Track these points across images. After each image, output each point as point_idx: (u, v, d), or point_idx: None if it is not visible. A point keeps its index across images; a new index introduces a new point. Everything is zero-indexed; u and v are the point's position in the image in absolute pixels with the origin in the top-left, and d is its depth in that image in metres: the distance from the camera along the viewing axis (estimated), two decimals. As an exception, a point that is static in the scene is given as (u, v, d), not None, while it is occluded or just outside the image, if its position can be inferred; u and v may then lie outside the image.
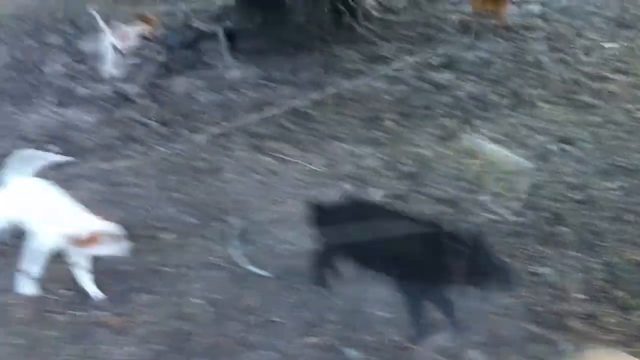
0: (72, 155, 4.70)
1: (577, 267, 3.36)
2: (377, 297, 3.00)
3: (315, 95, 5.79)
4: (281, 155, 4.73)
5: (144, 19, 7.00)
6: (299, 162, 4.64)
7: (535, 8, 8.31)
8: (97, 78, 6.57)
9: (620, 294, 3.19)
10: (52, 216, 3.19)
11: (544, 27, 7.56)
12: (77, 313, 3.09)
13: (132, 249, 3.20)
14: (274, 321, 3.02)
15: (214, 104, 5.92)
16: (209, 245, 3.65)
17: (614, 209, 3.89)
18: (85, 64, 7.08)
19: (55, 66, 7.04)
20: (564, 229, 3.70)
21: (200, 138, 5.10)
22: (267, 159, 4.73)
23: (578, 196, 4.05)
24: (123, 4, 8.74)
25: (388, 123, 5.26)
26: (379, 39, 7.28)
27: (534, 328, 2.93)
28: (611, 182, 4.21)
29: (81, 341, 2.91)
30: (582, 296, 3.16)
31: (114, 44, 6.47)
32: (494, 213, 3.86)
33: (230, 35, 7.31)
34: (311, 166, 4.51)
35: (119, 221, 3.25)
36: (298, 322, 3.00)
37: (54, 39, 8.05)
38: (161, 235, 3.75)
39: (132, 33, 6.83)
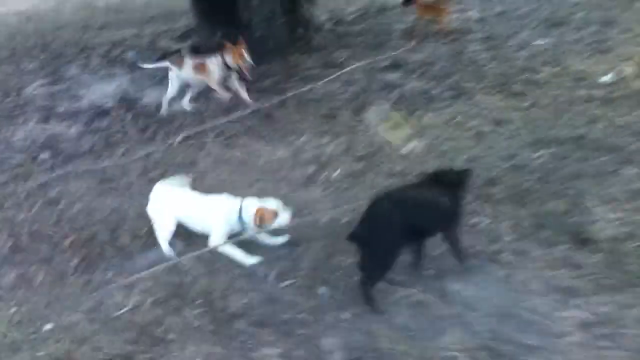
0: (62, 161, 5.26)
1: (507, 216, 3.98)
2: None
3: (276, 99, 6.37)
4: (249, 150, 5.29)
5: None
6: (266, 153, 5.20)
7: (474, 14, 9.08)
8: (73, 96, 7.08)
9: (545, 234, 3.80)
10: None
11: (481, 30, 8.28)
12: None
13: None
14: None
15: (185, 113, 6.45)
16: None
17: (537, 172, 4.52)
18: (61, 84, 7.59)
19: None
20: (496, 189, 4.33)
21: (174, 139, 5.62)
22: (237, 153, 5.28)
23: (507, 164, 4.68)
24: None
25: (343, 118, 5.86)
26: (332, 47, 7.94)
27: (473, 261, 3.54)
28: (536, 152, 4.84)
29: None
30: (510, 237, 3.77)
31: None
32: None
33: (195, 51, 7.88)
34: (278, 154, 5.08)
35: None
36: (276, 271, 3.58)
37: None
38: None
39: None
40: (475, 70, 6.82)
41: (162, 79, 7.41)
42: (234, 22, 7.70)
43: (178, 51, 7.90)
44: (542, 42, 7.62)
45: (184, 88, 6.30)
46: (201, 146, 5.46)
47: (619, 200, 4.02)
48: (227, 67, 6.12)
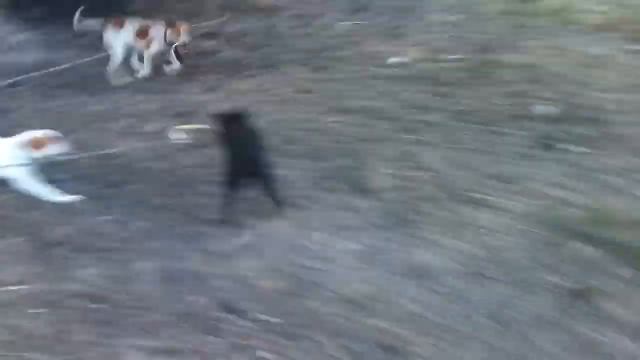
0: None
1: (302, 169, 4.61)
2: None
3: (96, 56, 6.55)
4: (69, 101, 5.49)
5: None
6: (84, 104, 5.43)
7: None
8: None
9: (331, 184, 4.45)
10: None
11: (293, 8, 8.92)
12: None
13: None
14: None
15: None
16: None
17: (330, 134, 5.22)
18: None
19: None
20: (294, 146, 4.96)
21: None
22: (57, 102, 5.45)
23: (305, 126, 5.34)
24: None
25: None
26: (151, 14, 8.15)
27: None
28: (333, 117, 5.56)
29: None
30: (302, 185, 4.40)
31: None
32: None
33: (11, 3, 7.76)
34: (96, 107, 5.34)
35: None
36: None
37: None
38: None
39: None
40: (283, 45, 7.44)
41: None
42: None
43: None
44: (346, 24, 8.42)
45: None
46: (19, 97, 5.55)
47: (393, 160, 4.81)
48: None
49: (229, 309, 3.17)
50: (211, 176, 4.15)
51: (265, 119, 5.31)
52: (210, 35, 7.59)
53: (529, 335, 3.04)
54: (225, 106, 4.78)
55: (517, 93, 6.09)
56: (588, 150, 4.88)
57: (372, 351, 2.96)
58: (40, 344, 2.85)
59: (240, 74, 6.51)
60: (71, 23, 7.00)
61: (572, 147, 4.98)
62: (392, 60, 7.12)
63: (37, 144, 4.06)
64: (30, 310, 3.07)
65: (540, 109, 5.71)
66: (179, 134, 4.47)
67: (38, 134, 4.12)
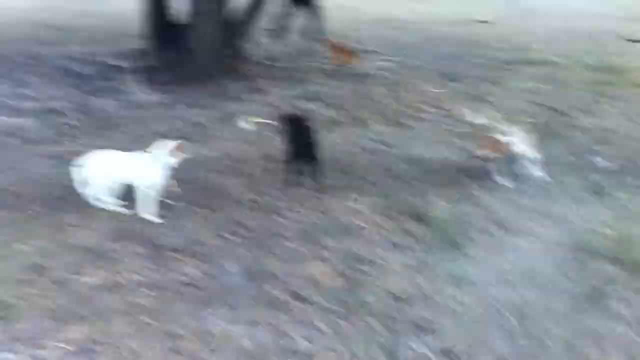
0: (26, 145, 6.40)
1: (374, 203, 5.38)
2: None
3: (208, 113, 7.70)
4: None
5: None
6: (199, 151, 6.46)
7: (383, 63, 10.71)
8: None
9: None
10: None
11: (387, 77, 9.88)
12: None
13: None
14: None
15: (130, 118, 7.67)
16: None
17: (405, 178, 5.99)
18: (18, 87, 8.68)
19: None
20: (369, 185, 5.75)
21: (119, 137, 6.83)
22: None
23: (383, 172, 6.13)
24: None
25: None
26: (261, 78, 9.36)
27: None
28: (408, 165, 6.31)
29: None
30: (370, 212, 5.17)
31: None
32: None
33: (143, 71, 9.20)
34: (205, 152, 6.39)
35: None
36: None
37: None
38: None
39: None
40: (375, 106, 8.32)
41: (111, 90, 8.66)
42: (179, 48, 9.02)
43: (127, 68, 9.23)
44: (435, 90, 9.24)
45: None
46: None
47: (452, 198, 5.50)
48: None
49: (295, 296, 3.96)
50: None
51: (348, 165, 6.20)
52: (310, 97, 8.60)
53: (545, 326, 3.65)
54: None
55: (582, 149, 6.63)
56: (632, 197, 5.39)
57: (405, 328, 3.66)
58: (151, 314, 3.73)
59: (331, 129, 7.38)
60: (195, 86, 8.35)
61: (620, 194, 5.49)
62: (469, 119, 7.83)
63: (174, 152, 4.93)
64: (144, 291, 3.98)
65: (599, 162, 6.23)
66: (247, 124, 6.35)
67: (174, 143, 4.99)
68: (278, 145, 5.93)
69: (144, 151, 5.01)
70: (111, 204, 4.95)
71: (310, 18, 11.96)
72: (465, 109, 8.23)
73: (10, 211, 4.90)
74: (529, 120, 7.72)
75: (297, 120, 5.83)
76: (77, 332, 3.50)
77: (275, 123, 6.13)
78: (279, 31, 12.14)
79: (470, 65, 10.79)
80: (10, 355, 3.31)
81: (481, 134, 6.50)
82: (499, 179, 5.70)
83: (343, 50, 9.85)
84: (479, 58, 11.33)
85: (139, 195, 4.92)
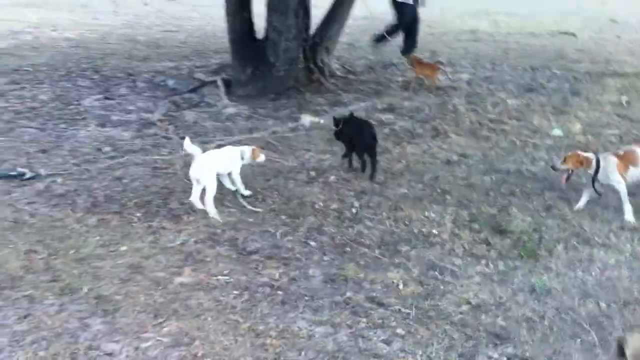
0: (121, 155, 6.82)
1: (454, 214, 5.49)
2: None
3: (290, 125, 7.97)
4: (268, 157, 6.84)
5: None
6: (280, 163, 6.74)
7: (464, 76, 10.78)
8: (124, 109, 8.69)
9: (474, 226, 5.29)
10: None
11: (466, 89, 9.95)
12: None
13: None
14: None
15: (216, 128, 8.02)
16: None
17: (482, 189, 6.06)
18: (112, 100, 9.21)
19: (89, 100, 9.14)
20: (448, 197, 5.86)
21: (209, 147, 7.16)
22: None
23: (461, 183, 6.23)
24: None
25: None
26: (341, 91, 9.60)
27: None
28: (487, 176, 6.39)
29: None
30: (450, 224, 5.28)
31: None
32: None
33: (227, 84, 9.60)
34: (288, 163, 6.65)
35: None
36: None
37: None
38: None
39: None
40: (453, 118, 8.41)
41: (198, 103, 9.07)
42: (263, 61, 9.36)
43: (213, 82, 9.65)
44: (515, 102, 9.24)
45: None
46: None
47: (534, 211, 5.55)
48: None
49: (375, 301, 4.13)
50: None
51: (426, 176, 6.32)
52: (389, 109, 8.76)
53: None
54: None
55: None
56: None
57: (482, 336, 3.77)
58: (240, 313, 3.98)
59: (410, 141, 7.53)
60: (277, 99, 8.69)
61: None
62: (555, 132, 7.81)
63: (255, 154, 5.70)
64: (233, 292, 4.23)
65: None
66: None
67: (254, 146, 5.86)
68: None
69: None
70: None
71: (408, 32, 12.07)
72: (545, 121, 8.22)
73: (111, 216, 5.27)
74: (614, 132, 7.67)
75: (349, 120, 6.58)
76: (173, 327, 3.78)
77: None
78: (379, 42, 12.36)
79: (552, 77, 10.72)
80: (114, 346, 3.60)
81: (564, 148, 6.53)
82: (586, 192, 5.62)
83: (426, 65, 9.98)
84: (561, 70, 11.23)
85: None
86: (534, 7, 21.36)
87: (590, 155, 5.57)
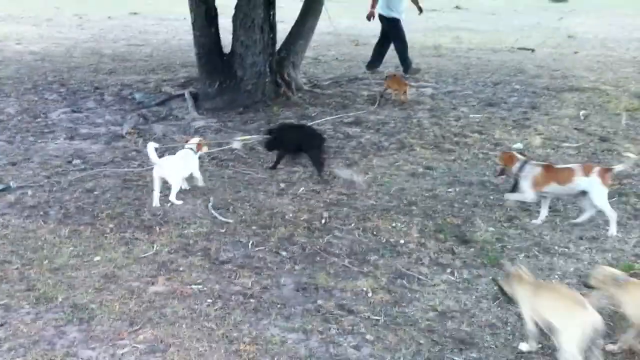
0: (91, 167, 6.87)
1: (421, 225, 5.67)
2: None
3: (259, 138, 8.09)
4: (235, 170, 6.95)
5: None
6: (250, 175, 6.85)
7: (428, 90, 11.04)
8: (92, 123, 8.72)
9: (440, 236, 5.47)
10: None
11: (430, 103, 10.19)
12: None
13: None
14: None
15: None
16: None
17: (446, 201, 6.26)
18: (80, 113, 9.24)
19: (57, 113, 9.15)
20: (414, 208, 6.04)
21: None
22: (227, 171, 6.94)
23: (428, 194, 6.41)
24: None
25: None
26: (307, 104, 9.77)
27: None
28: (452, 188, 6.59)
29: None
30: (417, 235, 5.45)
31: None
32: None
33: (194, 97, 9.69)
34: (257, 175, 6.77)
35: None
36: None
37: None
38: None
39: None
40: (417, 131, 8.62)
41: (166, 116, 9.14)
42: (230, 75, 9.49)
43: (181, 95, 9.73)
44: (476, 116, 9.50)
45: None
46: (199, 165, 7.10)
47: (498, 222, 5.76)
48: None
49: (345, 308, 4.27)
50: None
51: (393, 188, 6.50)
52: (355, 123, 8.95)
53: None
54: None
55: (623, 175, 6.83)
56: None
57: (448, 341, 3.93)
58: (214, 321, 4.08)
59: (377, 154, 7.71)
60: (245, 112, 8.84)
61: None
62: (516, 145, 8.06)
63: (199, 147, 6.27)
64: (207, 300, 4.33)
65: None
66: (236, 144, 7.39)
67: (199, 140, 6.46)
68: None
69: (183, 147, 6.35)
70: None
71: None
72: (506, 134, 8.49)
73: (84, 227, 5.33)
74: (575, 145, 7.96)
75: (282, 128, 7.38)
76: (148, 334, 3.86)
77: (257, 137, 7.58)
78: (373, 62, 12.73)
79: (512, 92, 11.05)
80: (91, 352, 3.68)
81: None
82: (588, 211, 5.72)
83: (397, 80, 10.23)
84: (521, 85, 11.57)
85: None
86: (495, 24, 21.93)
87: (519, 157, 5.90)
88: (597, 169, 5.54)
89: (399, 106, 9.85)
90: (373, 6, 12.60)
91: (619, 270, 4.14)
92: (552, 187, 5.67)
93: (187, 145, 6.33)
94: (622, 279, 3.87)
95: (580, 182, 5.51)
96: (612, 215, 5.49)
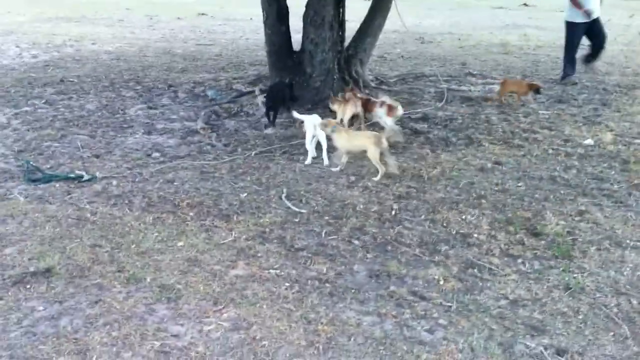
0: (170, 160, 7.18)
1: (491, 218, 5.74)
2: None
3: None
4: (305, 161, 7.15)
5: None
6: (320, 168, 7.03)
7: (495, 87, 11.01)
8: (167, 118, 9.07)
9: (510, 229, 5.53)
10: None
11: (497, 98, 10.18)
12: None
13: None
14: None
15: (256, 136, 8.36)
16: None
17: (516, 195, 6.29)
18: (156, 110, 9.60)
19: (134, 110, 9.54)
20: (483, 201, 6.11)
21: (250, 153, 7.51)
22: (299, 164, 7.14)
23: (497, 188, 6.46)
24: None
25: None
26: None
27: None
28: (521, 182, 6.62)
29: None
30: (486, 227, 5.53)
31: None
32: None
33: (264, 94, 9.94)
34: (324, 168, 6.95)
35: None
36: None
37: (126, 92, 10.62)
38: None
39: None
40: (486, 127, 8.66)
41: (237, 112, 9.42)
42: (299, 72, 9.71)
43: (251, 92, 10.00)
44: (546, 113, 9.46)
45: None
46: (271, 158, 7.34)
47: (568, 215, 5.78)
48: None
49: (417, 295, 4.40)
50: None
51: (462, 182, 6.57)
52: (423, 119, 9.04)
53: None
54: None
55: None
56: None
57: (520, 328, 4.02)
58: (293, 303, 4.28)
59: (445, 149, 7.79)
60: (311, 108, 9.00)
61: None
62: (587, 141, 8.02)
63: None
64: (284, 284, 4.53)
65: None
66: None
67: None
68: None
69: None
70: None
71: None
72: (576, 131, 8.43)
73: (166, 214, 5.61)
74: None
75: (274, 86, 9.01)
76: (232, 313, 4.08)
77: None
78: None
79: (583, 89, 10.94)
80: (180, 328, 3.92)
81: (595, 157, 6.75)
82: None
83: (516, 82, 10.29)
84: (591, 82, 11.44)
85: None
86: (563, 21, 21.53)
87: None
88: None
89: (466, 102, 9.88)
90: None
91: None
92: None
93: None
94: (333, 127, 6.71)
95: None
96: None
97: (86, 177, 6.38)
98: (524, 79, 11.16)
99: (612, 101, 10.03)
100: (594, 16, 11.55)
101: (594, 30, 11.71)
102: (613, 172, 6.91)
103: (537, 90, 9.81)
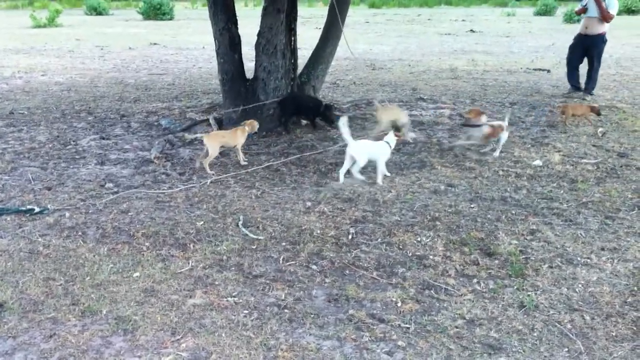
0: (123, 190, 7.11)
1: (445, 239, 5.83)
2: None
3: (282, 159, 8.31)
4: (262, 190, 7.17)
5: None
6: (276, 194, 7.07)
7: (446, 111, 11.24)
8: (120, 149, 8.99)
9: (465, 249, 5.63)
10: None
11: (449, 123, 10.40)
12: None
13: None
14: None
15: (211, 164, 8.33)
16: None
17: (469, 216, 6.42)
18: (109, 140, 9.51)
19: (86, 140, 9.43)
20: (438, 223, 6.21)
21: (205, 182, 7.49)
22: (254, 191, 7.16)
23: (450, 210, 6.58)
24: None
25: (333, 175, 7.78)
26: (329, 127, 9.98)
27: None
28: (474, 204, 6.75)
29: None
30: (441, 248, 5.61)
31: None
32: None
33: (219, 122, 9.96)
34: (284, 194, 6.97)
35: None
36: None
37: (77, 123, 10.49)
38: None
39: None
40: (438, 150, 8.82)
41: (191, 141, 9.39)
42: (253, 100, 9.76)
43: (205, 120, 9.99)
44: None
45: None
46: (227, 186, 7.33)
47: (519, 234, 5.91)
48: None
49: (376, 317, 4.44)
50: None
51: (416, 204, 6.67)
52: (376, 144, 9.15)
53: (609, 349, 4.03)
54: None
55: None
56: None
57: (477, 347, 4.08)
58: (252, 330, 4.27)
59: (399, 172, 7.88)
60: (266, 136, 9.03)
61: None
62: (536, 162, 8.23)
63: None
64: (243, 311, 4.51)
65: (659, 198, 6.54)
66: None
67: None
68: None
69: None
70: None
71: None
72: (525, 152, 8.64)
73: (121, 245, 5.55)
74: (594, 161, 8.12)
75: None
76: (190, 343, 4.05)
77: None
78: None
79: (530, 111, 11.24)
80: (137, 360, 3.88)
81: (544, 177, 6.90)
82: None
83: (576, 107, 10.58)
84: (539, 104, 11.76)
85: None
86: (509, 46, 22.16)
87: None
88: None
89: (418, 127, 10.05)
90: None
91: None
92: None
93: (385, 139, 7.66)
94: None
95: None
96: None
97: (37, 210, 6.26)
98: (582, 103, 11.45)
99: (558, 123, 10.33)
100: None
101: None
102: (562, 192, 7.09)
103: (597, 112, 10.14)
